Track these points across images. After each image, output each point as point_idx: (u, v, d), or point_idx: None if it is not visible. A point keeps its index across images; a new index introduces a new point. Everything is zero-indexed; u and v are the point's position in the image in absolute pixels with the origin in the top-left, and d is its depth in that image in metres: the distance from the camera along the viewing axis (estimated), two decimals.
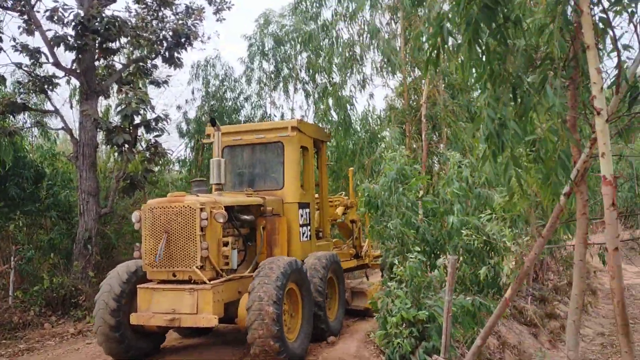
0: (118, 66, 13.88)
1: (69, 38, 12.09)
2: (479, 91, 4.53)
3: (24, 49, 12.22)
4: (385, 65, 9.99)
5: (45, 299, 11.11)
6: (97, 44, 12.39)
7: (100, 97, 13.38)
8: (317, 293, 7.75)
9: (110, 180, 14.35)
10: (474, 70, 4.15)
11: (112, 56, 13.41)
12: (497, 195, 6.97)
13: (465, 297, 6.82)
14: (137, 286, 7.10)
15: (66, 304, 11.24)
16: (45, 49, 12.29)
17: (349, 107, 9.79)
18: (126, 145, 12.13)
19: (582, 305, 4.21)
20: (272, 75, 18.93)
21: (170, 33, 13.39)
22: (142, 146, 13.25)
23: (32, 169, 13.25)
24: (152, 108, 12.39)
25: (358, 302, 9.39)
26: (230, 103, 18.56)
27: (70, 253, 12.77)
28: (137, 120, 12.37)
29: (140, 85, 14.15)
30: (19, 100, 12.46)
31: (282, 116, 18.68)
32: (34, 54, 12.15)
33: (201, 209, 6.82)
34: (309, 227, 8.88)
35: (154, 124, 12.50)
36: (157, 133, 12.70)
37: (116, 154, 12.74)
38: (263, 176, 8.70)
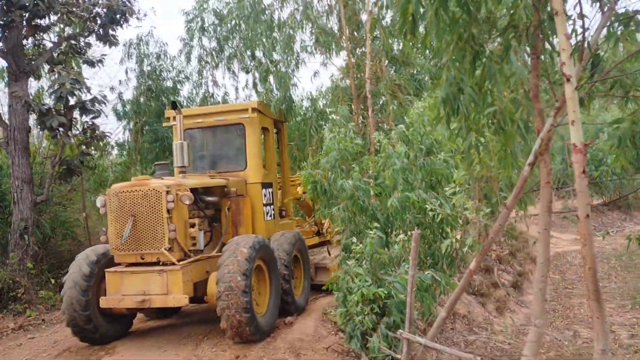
0: (49, 45, 13.02)
1: None
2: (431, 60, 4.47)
3: None
4: (316, 45, 9.74)
5: None
6: (24, 21, 11.56)
7: (30, 79, 12.53)
8: (283, 267, 7.92)
9: (45, 166, 13.56)
10: (436, 42, 4.05)
11: (41, 34, 12.55)
12: (454, 166, 7.03)
13: (422, 272, 6.82)
14: (105, 270, 7.14)
15: (4, 298, 10.56)
16: None
17: (290, 86, 9.48)
18: (61, 129, 11.44)
19: (547, 274, 4.23)
20: (214, 53, 18.29)
21: (105, 10, 12.65)
22: (78, 129, 12.53)
23: None
24: (88, 89, 11.71)
25: (322, 277, 9.55)
26: (168, 83, 17.82)
27: (6, 244, 12.01)
28: (72, 102, 11.69)
29: (74, 65, 13.33)
30: None
31: (225, 95, 18.17)
32: None
33: (167, 192, 6.89)
34: (272, 207, 8.95)
35: (89, 105, 11.82)
36: (93, 115, 12.03)
37: (51, 138, 11.99)
38: (225, 158, 8.74)
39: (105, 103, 11.92)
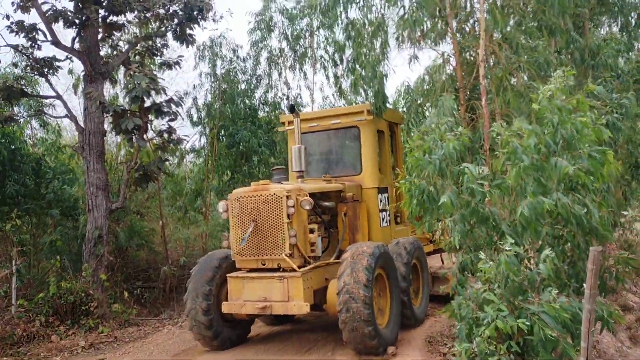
0: (124, 47, 12.40)
1: (69, 13, 10.62)
2: None
3: (20, 27, 10.75)
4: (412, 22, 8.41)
5: (52, 307, 9.67)
6: (100, 19, 10.91)
7: (106, 82, 11.90)
8: (401, 278, 7.58)
9: (121, 172, 12.91)
10: None
11: (117, 33, 11.91)
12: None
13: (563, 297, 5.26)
14: (227, 275, 7.17)
15: (76, 312, 9.79)
16: (43, 27, 10.84)
17: (383, 77, 8.14)
18: (136, 132, 10.65)
19: None
20: (287, 54, 17.33)
21: (181, 6, 11.85)
22: (154, 133, 11.75)
23: (33, 162, 11.83)
24: (164, 89, 10.87)
25: (439, 288, 9.08)
26: (243, 85, 16.80)
27: (79, 254, 11.37)
28: (148, 103, 10.91)
29: (150, 67, 12.63)
30: (15, 85, 11.03)
31: (297, 97, 17.12)
32: (30, 31, 10.67)
33: (287, 197, 6.82)
34: (387, 212, 8.67)
35: (165, 107, 10.98)
36: (170, 117, 11.18)
37: (126, 141, 11.24)
38: (340, 162, 8.61)
39: (182, 104, 11.04)
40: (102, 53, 12.06)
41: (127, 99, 10.64)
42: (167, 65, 12.74)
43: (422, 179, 6.11)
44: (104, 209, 11.16)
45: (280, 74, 17.52)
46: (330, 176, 8.39)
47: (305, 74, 17.60)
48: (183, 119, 14.52)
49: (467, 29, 7.97)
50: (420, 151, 6.16)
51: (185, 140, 11.72)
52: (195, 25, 12.29)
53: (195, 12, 12.01)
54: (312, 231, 7.11)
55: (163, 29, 11.99)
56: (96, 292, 10.18)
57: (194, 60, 15.55)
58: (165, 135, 11.48)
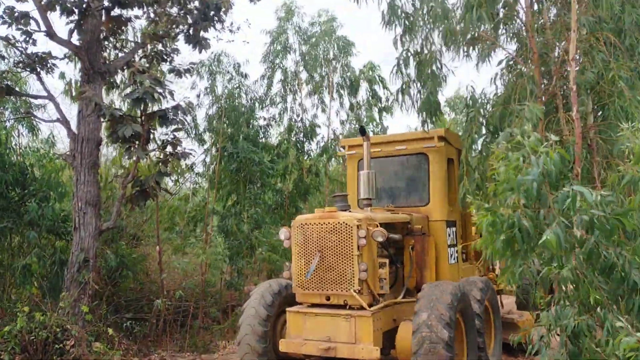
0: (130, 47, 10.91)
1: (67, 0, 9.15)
2: None
3: (10, 15, 9.25)
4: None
5: (18, 344, 7.88)
6: (103, 10, 9.44)
7: (105, 84, 10.34)
8: (477, 320, 6.81)
9: (115, 188, 11.26)
10: None
11: (122, 30, 10.41)
12: None
13: None
14: (287, 309, 6.66)
15: (48, 350, 8.01)
16: (37, 15, 9.33)
17: (439, 82, 6.62)
18: (136, 141, 9.05)
19: None
20: (301, 78, 16.02)
21: (196, 3, 10.40)
22: (156, 143, 10.14)
23: (18, 173, 10.17)
24: (171, 94, 9.31)
25: (508, 335, 7.86)
26: (244, 108, 15.14)
27: (60, 280, 9.63)
28: (151, 109, 9.36)
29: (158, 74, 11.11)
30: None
31: (313, 118, 15.70)
32: (21, 18, 9.15)
33: (358, 226, 6.26)
34: (456, 248, 7.98)
35: (172, 114, 9.41)
36: (176, 126, 9.60)
37: (123, 151, 9.60)
38: (405, 191, 8.02)
39: (190, 112, 9.47)
40: (104, 54, 10.61)
41: (126, 102, 9.06)
42: (177, 72, 11.18)
43: (510, 208, 4.44)
44: (92, 228, 9.46)
45: (295, 96, 16.17)
46: (393, 206, 7.76)
47: (322, 100, 16.33)
48: (189, 134, 12.99)
49: (546, 23, 6.39)
50: (508, 171, 4.51)
51: (191, 154, 10.07)
52: (210, 28, 10.81)
53: (212, 13, 10.56)
54: (382, 266, 6.47)
55: (176, 29, 10.48)
56: (75, 327, 8.40)
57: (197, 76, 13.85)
58: (170, 147, 9.87)
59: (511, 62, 6.67)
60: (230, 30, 12.52)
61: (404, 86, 6.68)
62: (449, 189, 7.93)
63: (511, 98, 6.15)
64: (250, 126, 14.05)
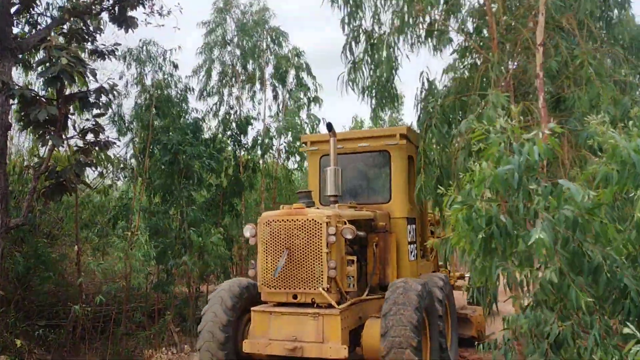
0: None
1: None
2: None
3: None
4: None
5: None
6: None
7: (16, 64, 9.12)
8: (438, 319, 6.71)
9: (26, 179, 10.01)
10: None
11: (36, 1, 9.22)
12: None
13: None
14: (252, 309, 6.43)
15: None
16: None
17: (394, 64, 6.06)
18: (51, 126, 7.96)
19: None
20: (238, 71, 15.22)
21: None
22: (75, 130, 9.02)
23: None
24: (94, 74, 8.27)
25: (463, 330, 8.51)
26: (177, 99, 14.12)
27: None
28: (70, 91, 8.29)
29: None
30: None
31: (249, 112, 14.93)
32: None
33: (327, 223, 6.10)
34: (415, 245, 7.95)
35: (93, 97, 8.36)
36: (98, 112, 8.56)
37: (36, 138, 8.43)
38: (367, 188, 8.02)
39: (115, 95, 8.46)
40: (16, 31, 9.39)
41: (41, 83, 7.96)
42: (99, 53, 10.10)
43: (487, 202, 3.90)
44: None
45: (231, 90, 15.34)
46: (355, 203, 7.59)
47: (254, 92, 15.62)
48: (114, 122, 11.84)
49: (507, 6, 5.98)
50: (486, 161, 3.98)
51: (115, 143, 9.05)
52: (140, 6, 9.83)
53: None
54: (350, 263, 6.29)
55: (99, 5, 9.42)
56: None
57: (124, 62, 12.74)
58: (91, 135, 8.81)
59: (467, 50, 6.21)
60: (160, 14, 11.61)
61: (355, 66, 6.06)
62: (410, 186, 7.87)
63: (466, 88, 5.71)
64: (183, 118, 13.08)
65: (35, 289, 10.50)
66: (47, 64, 7.68)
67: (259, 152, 15.32)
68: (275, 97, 15.73)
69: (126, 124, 12.64)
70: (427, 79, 6.51)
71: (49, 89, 7.86)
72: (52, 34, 9.03)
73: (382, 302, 6.44)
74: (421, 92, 6.48)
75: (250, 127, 14.87)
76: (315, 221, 6.08)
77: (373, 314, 6.35)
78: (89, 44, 10.11)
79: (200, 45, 14.91)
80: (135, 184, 12.97)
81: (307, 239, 6.12)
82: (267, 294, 6.37)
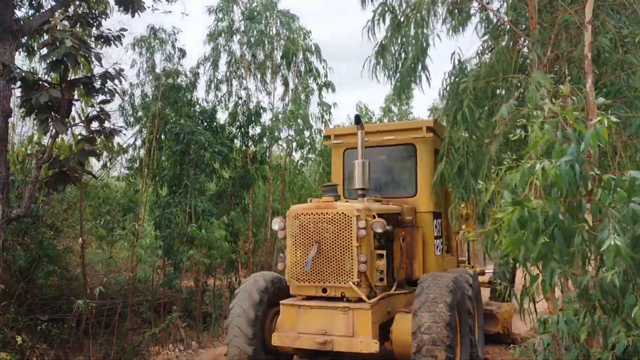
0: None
1: None
2: None
3: None
4: None
5: None
6: None
7: (17, 47, 8.68)
8: (468, 315, 6.58)
9: (28, 167, 9.60)
10: None
11: None
12: None
13: None
14: (281, 302, 6.43)
15: None
16: None
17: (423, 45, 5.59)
18: (54, 111, 7.53)
19: None
20: (247, 60, 14.70)
21: None
22: (80, 117, 8.60)
23: None
24: (99, 58, 7.84)
25: (488, 326, 8.31)
26: (183, 89, 13.64)
27: None
28: (74, 75, 7.86)
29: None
30: None
31: (259, 103, 14.39)
32: None
33: (357, 217, 6.09)
34: (441, 240, 7.83)
35: (99, 82, 7.93)
36: (104, 98, 8.13)
37: (39, 124, 7.99)
38: (392, 182, 7.89)
39: (121, 80, 8.02)
40: (18, 14, 8.96)
41: (43, 65, 7.54)
42: (105, 39, 9.63)
43: (545, 200, 3.39)
44: None
45: (240, 80, 14.83)
46: (380, 196, 7.51)
47: (265, 82, 15.08)
48: (123, 98, 11.42)
49: None
50: (536, 150, 3.49)
51: (121, 131, 8.62)
52: None
53: None
54: (379, 257, 6.28)
55: None
56: None
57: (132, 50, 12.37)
58: (96, 123, 8.38)
59: (499, 31, 5.73)
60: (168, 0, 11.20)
61: (383, 48, 5.59)
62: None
63: (500, 71, 5.25)
64: (193, 106, 12.67)
65: (38, 282, 10.11)
66: (51, 47, 7.23)
67: (266, 144, 14.85)
68: (286, 85, 15.12)
69: (134, 113, 12.28)
70: (459, 60, 6.06)
71: (53, 73, 7.42)
72: (56, 16, 8.59)
73: (410, 296, 6.54)
74: (450, 75, 6.03)
75: (260, 118, 14.42)
76: (346, 214, 6.07)
77: (401, 309, 6.36)
78: (94, 29, 9.67)
79: (206, 34, 14.46)
80: (142, 175, 12.56)
81: (337, 232, 6.11)
82: (297, 288, 6.39)
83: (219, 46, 14.55)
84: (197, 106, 12.94)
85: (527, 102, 4.60)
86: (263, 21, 14.62)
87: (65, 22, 9.14)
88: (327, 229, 6.18)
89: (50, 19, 8.38)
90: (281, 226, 6.56)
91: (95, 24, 9.60)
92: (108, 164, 11.58)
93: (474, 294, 7.21)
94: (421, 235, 7.41)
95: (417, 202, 7.59)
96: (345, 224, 6.11)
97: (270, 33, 14.83)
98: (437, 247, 7.72)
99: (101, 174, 11.77)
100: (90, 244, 11.52)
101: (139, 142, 12.71)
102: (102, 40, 9.62)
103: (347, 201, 6.72)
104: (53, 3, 9.20)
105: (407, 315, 6.02)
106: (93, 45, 9.65)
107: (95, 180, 10.73)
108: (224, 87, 14.56)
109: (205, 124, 12.96)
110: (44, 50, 7.64)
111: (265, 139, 14.42)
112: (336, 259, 6.13)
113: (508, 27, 5.48)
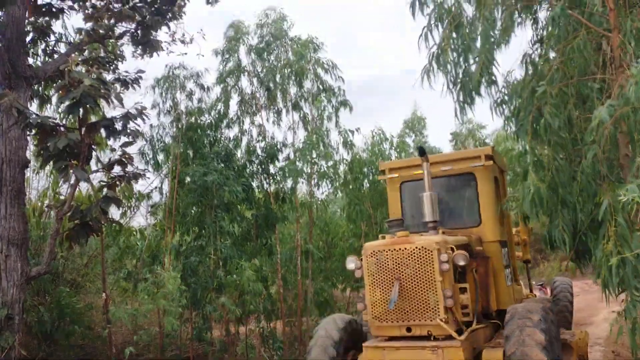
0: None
1: None
2: None
3: None
4: None
5: None
6: None
7: (31, 94, 8.12)
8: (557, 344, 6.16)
9: (47, 222, 8.91)
10: None
11: (51, 27, 8.30)
12: None
13: None
14: (363, 344, 6.09)
15: None
16: None
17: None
18: (73, 157, 6.89)
19: None
20: (258, 98, 14.12)
21: None
22: (101, 162, 7.96)
23: None
24: (119, 97, 7.24)
25: (564, 356, 7.60)
26: (207, 129, 13.08)
27: None
28: (94, 119, 7.26)
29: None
30: None
31: (272, 139, 13.70)
32: None
33: (438, 251, 5.75)
34: (510, 269, 7.39)
35: (120, 124, 7.32)
36: (126, 140, 7.50)
37: (57, 172, 7.34)
38: (454, 212, 7.56)
39: (144, 119, 7.40)
40: (31, 61, 8.46)
41: (60, 109, 6.94)
42: (123, 82, 9.09)
43: None
44: (17, 275, 7.16)
45: (253, 117, 14.23)
46: (443, 228, 6.98)
47: (279, 113, 14.36)
48: (144, 156, 10.90)
49: None
50: None
51: (144, 174, 7.96)
52: (164, 26, 8.88)
53: (164, 6, 8.64)
54: (463, 291, 5.93)
55: (120, 26, 8.50)
56: None
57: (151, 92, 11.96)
58: (118, 168, 7.73)
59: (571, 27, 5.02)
60: (182, 42, 10.73)
61: (441, 51, 4.90)
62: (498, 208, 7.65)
63: (581, 72, 4.56)
64: (215, 146, 12.09)
65: (61, 343, 9.30)
66: (67, 89, 6.64)
67: (289, 181, 14.10)
68: (305, 116, 14.26)
69: (155, 156, 11.73)
70: (531, 61, 5.35)
71: (70, 117, 6.82)
72: (72, 58, 8.06)
73: (488, 331, 6.36)
74: (523, 78, 5.32)
75: (277, 156, 13.73)
76: (426, 249, 5.80)
77: (486, 344, 6.13)
78: (111, 72, 9.15)
79: (216, 76, 13.84)
80: (166, 220, 11.88)
81: (418, 268, 5.85)
82: (378, 328, 6.08)
83: (228, 87, 13.99)
84: (219, 145, 12.33)
85: (631, 101, 3.88)
86: (274, 51, 13.99)
87: (81, 68, 8.63)
88: (407, 265, 5.92)
89: (66, 64, 7.87)
90: (357, 265, 6.28)
91: (111, 67, 9.10)
92: (128, 212, 10.88)
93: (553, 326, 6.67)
94: (492, 266, 7.04)
95: (482, 231, 7.23)
96: (427, 258, 5.82)
97: (282, 62, 14.03)
98: (507, 276, 7.34)
99: (122, 222, 11.06)
100: (114, 299, 10.72)
101: (164, 187, 12.05)
102: (120, 83, 9.09)
103: (422, 235, 6.38)
104: (67, 47, 8.69)
105: (497, 350, 5.79)
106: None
107: (120, 227, 9.99)
108: (235, 127, 13.94)
109: (222, 164, 12.32)
110: (59, 96, 7.04)
111: (286, 175, 13.63)
112: (420, 296, 5.87)
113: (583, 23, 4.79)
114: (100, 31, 8.39)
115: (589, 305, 15.47)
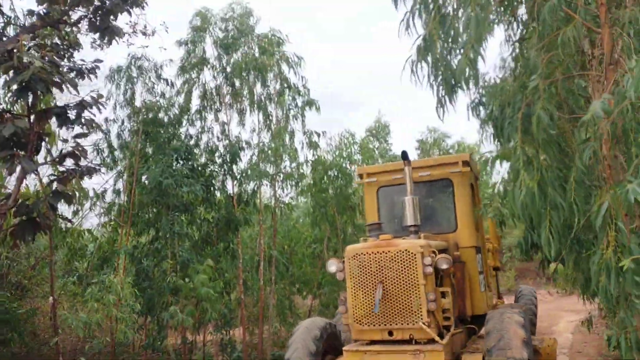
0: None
1: None
2: None
3: None
4: None
5: None
6: None
7: None
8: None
9: None
10: None
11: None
12: None
13: None
14: (344, 349, 6.02)
15: None
16: None
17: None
18: (20, 146, 6.26)
19: None
20: (223, 94, 13.63)
21: None
22: (51, 154, 7.32)
23: None
24: (74, 84, 6.66)
25: None
26: (168, 124, 12.46)
27: None
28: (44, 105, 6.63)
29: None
30: None
31: (238, 140, 13.24)
32: None
33: (422, 254, 5.70)
34: (484, 276, 7.41)
35: (73, 112, 6.72)
36: (80, 130, 6.91)
37: (2, 162, 6.67)
38: (430, 217, 7.50)
39: (100, 108, 6.83)
40: None
41: (7, 93, 6.31)
42: (78, 71, 8.43)
43: None
44: None
45: (217, 113, 13.71)
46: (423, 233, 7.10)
47: (242, 112, 13.90)
48: (99, 152, 10.27)
49: None
50: None
51: (99, 170, 7.37)
52: (125, 12, 8.33)
53: None
54: (444, 295, 5.90)
55: (77, 10, 7.90)
56: None
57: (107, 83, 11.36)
58: (70, 161, 7.11)
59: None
60: (144, 34, 10.20)
61: (423, 41, 4.59)
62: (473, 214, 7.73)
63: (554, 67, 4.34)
64: (174, 141, 11.51)
65: (2, 351, 8.54)
66: (16, 70, 6.03)
67: (251, 183, 13.60)
68: (267, 117, 13.77)
69: (110, 153, 11.08)
70: (521, 54, 5.12)
71: (19, 101, 6.19)
72: (24, 42, 7.42)
73: (464, 335, 6.33)
74: (513, 70, 5.08)
75: (239, 156, 13.21)
76: (410, 252, 5.73)
77: (464, 349, 6.11)
78: (66, 60, 8.51)
79: (177, 67, 13.27)
80: (122, 221, 11.21)
81: (402, 271, 5.77)
82: (360, 332, 5.97)
83: (191, 80, 13.46)
84: (179, 141, 11.75)
85: (626, 96, 3.66)
86: (240, 47, 13.52)
87: (33, 52, 7.98)
88: (390, 268, 5.82)
89: (15, 47, 7.22)
90: (339, 267, 6.17)
91: (66, 55, 8.46)
92: (80, 211, 10.19)
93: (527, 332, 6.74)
94: (468, 271, 7.02)
95: (458, 236, 7.22)
96: (410, 261, 5.73)
97: (249, 58, 13.56)
98: (481, 282, 7.35)
99: (72, 221, 10.33)
100: (62, 304, 9.98)
101: (120, 185, 11.40)
102: (76, 72, 8.45)
103: (404, 238, 6.27)
104: (18, 30, 8.01)
105: (475, 355, 5.80)
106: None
107: (71, 224, 9.29)
108: (197, 124, 13.40)
109: (182, 163, 11.74)
110: (5, 77, 6.41)
111: (249, 177, 13.13)
112: (402, 299, 5.79)
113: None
114: (55, 15, 7.76)
115: (548, 315, 15.58)
